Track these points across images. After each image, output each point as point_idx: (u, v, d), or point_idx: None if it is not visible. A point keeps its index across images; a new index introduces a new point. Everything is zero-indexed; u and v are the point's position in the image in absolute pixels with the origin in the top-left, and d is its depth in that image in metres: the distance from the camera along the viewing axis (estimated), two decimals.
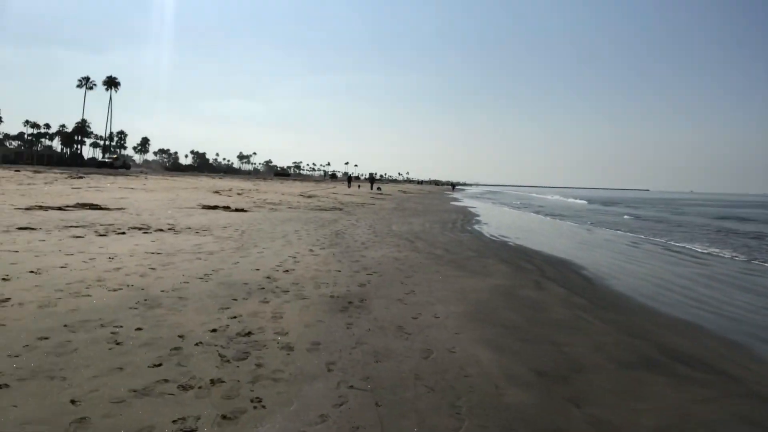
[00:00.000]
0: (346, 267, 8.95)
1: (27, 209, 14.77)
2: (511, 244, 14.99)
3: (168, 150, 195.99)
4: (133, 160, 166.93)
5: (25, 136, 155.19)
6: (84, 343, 4.36)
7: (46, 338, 4.38)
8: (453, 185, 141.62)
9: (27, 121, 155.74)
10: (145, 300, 5.81)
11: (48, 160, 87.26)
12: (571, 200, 70.46)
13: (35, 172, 37.37)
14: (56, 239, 9.42)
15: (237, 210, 19.81)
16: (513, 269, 10.08)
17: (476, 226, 20.67)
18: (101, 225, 12.18)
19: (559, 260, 12.04)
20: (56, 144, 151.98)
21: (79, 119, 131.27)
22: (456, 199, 55.63)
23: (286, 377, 4.04)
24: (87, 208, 16.32)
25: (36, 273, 6.52)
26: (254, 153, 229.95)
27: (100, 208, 16.50)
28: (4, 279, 6.10)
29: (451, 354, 4.84)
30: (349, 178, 75.77)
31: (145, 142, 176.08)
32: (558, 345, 5.32)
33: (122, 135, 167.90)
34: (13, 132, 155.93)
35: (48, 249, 8.31)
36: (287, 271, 8.20)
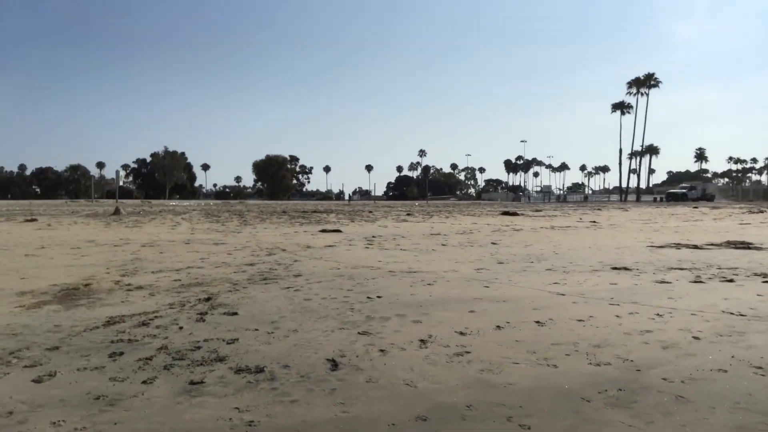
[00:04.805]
0: None
1: (659, 247, 13.96)
2: None
3: None
4: None
5: (732, 173, 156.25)
6: None
7: (393, 425, 3.34)
8: None
9: (730, 158, 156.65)
10: (620, 389, 3.84)
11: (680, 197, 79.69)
12: None
13: (713, 207, 36.13)
14: (633, 283, 8.14)
15: None
16: None
17: None
18: (718, 268, 9.88)
19: None
20: (764, 178, 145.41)
21: None
22: None
23: None
24: (732, 247, 13.94)
25: (540, 324, 5.54)
26: None
27: (748, 248, 13.74)
28: (498, 327, 5.44)
29: None
30: None
31: None
32: None
33: None
34: (719, 170, 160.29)
35: (607, 294, 7.18)
36: None
